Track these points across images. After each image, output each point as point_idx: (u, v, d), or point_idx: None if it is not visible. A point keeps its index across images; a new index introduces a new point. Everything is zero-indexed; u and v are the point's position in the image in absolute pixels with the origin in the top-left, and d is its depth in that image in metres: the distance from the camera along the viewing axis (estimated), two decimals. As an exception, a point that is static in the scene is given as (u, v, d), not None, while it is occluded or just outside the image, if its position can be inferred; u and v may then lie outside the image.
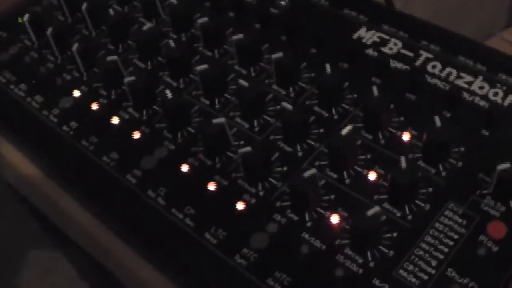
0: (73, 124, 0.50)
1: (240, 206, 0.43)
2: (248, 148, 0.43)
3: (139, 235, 0.45)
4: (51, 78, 0.54)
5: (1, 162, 0.54)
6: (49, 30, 0.54)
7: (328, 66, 0.46)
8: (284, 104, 0.45)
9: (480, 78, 0.47)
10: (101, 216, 0.47)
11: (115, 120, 0.49)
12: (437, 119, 0.42)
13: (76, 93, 0.52)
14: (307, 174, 0.41)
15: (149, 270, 0.45)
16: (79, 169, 0.48)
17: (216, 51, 0.52)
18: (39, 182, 0.51)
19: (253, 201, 0.43)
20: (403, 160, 0.41)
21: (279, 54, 0.48)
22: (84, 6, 0.55)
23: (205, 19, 0.52)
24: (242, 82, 0.47)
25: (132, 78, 0.48)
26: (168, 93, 0.47)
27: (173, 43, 0.51)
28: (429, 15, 0.56)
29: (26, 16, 0.56)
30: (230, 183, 0.44)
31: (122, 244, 0.47)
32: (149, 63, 0.53)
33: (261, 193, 0.43)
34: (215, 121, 0.45)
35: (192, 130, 0.47)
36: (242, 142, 0.46)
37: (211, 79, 0.48)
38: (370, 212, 0.39)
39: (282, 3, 0.54)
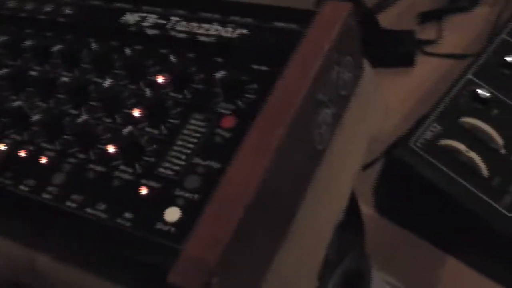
0: None
1: (43, 160, 0.56)
2: (40, 115, 0.56)
3: None
4: None
5: None
6: None
7: (94, 44, 0.60)
8: (68, 80, 0.59)
9: (215, 23, 0.61)
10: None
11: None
12: (172, 57, 0.56)
13: None
14: (80, 121, 0.55)
15: None
16: None
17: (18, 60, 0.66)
18: None
19: (53, 154, 0.56)
20: (147, 91, 0.55)
21: (60, 46, 0.62)
22: None
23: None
24: (35, 73, 0.61)
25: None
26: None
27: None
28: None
29: None
30: (35, 146, 0.57)
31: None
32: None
33: (58, 147, 0.56)
34: (15, 104, 0.58)
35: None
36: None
37: (13, 78, 0.62)
38: (125, 131, 0.53)
39: (67, 11, 0.68)
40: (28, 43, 0.64)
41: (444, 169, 0.77)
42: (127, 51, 0.60)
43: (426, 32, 1.05)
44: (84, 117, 0.55)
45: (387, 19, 1.05)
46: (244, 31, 0.59)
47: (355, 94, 0.62)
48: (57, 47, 0.64)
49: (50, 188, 0.53)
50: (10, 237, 0.56)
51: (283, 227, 0.54)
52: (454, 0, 1.08)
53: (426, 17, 1.06)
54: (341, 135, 0.60)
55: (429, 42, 1.04)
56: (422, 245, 0.83)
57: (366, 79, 0.63)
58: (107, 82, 0.57)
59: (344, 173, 0.61)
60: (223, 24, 0.60)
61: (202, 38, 0.60)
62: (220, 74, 0.54)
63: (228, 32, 0.60)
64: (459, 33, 1.03)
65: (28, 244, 0.55)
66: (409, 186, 0.81)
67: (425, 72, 0.99)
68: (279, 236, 0.53)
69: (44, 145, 0.57)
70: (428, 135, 0.79)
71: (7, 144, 0.58)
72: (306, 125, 0.54)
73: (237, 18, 0.61)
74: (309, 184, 0.56)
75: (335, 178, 0.59)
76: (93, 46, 0.61)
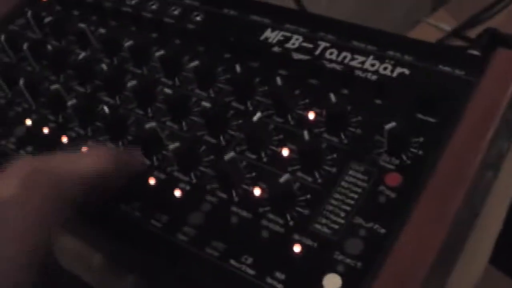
0: (29, 148, 0.57)
1: (177, 193, 0.50)
2: (177, 144, 0.50)
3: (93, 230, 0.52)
4: (4, 112, 0.61)
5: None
6: (-4, 71, 0.61)
7: (237, 66, 0.54)
8: (204, 103, 0.53)
9: (371, 57, 0.55)
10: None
11: (64, 139, 0.56)
12: (332, 96, 0.50)
13: (28, 122, 0.58)
14: (227, 157, 0.49)
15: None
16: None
17: (144, 68, 0.60)
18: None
19: (188, 187, 0.50)
20: (305, 133, 0.48)
21: (196, 62, 0.56)
22: (25, 45, 0.63)
23: (131, 42, 0.59)
24: (167, 90, 0.55)
25: (74, 101, 0.56)
26: (106, 109, 0.55)
27: (105, 66, 0.58)
28: (356, 5, 0.62)
29: (-26, 62, 0.63)
30: (167, 176, 0.51)
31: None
32: (87, 86, 0.60)
33: (194, 181, 0.50)
34: (148, 125, 0.52)
35: (131, 138, 0.54)
36: (174, 141, 0.52)
37: (141, 92, 0.56)
38: (282, 179, 0.47)
39: (197, 18, 0.62)
40: (157, 52, 0.58)
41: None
42: (274, 77, 0.54)
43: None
44: (229, 154, 0.49)
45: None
46: (405, 70, 0.53)
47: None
48: (188, 61, 0.58)
49: (186, 229, 0.47)
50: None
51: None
52: None
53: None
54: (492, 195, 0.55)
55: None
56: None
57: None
58: (256, 116, 0.50)
59: (491, 233, 0.55)
60: (381, 59, 0.54)
61: (358, 73, 0.53)
62: (388, 123, 0.47)
63: (387, 69, 0.53)
64: None
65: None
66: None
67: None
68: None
69: (177, 175, 0.50)
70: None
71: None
72: (475, 191, 0.48)
73: (396, 54, 0.54)
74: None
75: (482, 239, 0.54)
76: (237, 68, 0.54)
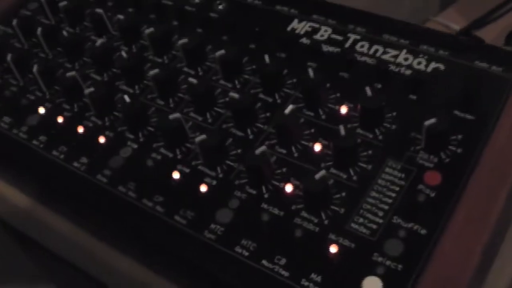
0: (42, 138, 0.54)
1: (203, 188, 0.47)
2: (204, 136, 0.48)
3: (114, 227, 0.49)
4: (16, 100, 0.58)
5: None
6: (9, 57, 0.58)
7: (267, 57, 0.52)
8: (232, 94, 0.50)
9: (404, 51, 0.53)
10: (77, 218, 0.52)
11: (80, 129, 0.53)
12: (368, 90, 0.48)
13: (41, 110, 0.55)
14: (258, 151, 0.46)
15: (129, 261, 0.49)
16: (52, 177, 0.52)
17: (165, 57, 0.57)
18: (14, 198, 0.55)
19: (214, 182, 0.48)
20: (341, 128, 0.46)
21: (222, 52, 0.53)
22: (38, 31, 0.60)
23: (151, 29, 0.57)
24: (191, 80, 0.52)
25: (91, 89, 0.53)
26: (126, 98, 0.52)
27: (125, 54, 0.56)
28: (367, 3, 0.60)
29: (-16, 47, 0.60)
30: (192, 170, 0.49)
31: (101, 243, 0.51)
32: (105, 75, 0.57)
33: (220, 175, 0.48)
34: (172, 116, 0.49)
35: (152, 129, 0.52)
36: (198, 133, 0.50)
37: (163, 81, 0.53)
38: (318, 176, 0.44)
39: (220, 7, 0.59)
40: (180, 40, 0.55)
41: None
42: (304, 69, 0.51)
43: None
44: (260, 148, 0.46)
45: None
46: (440, 65, 0.51)
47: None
48: (212, 50, 0.55)
49: (213, 226, 0.45)
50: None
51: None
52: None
53: None
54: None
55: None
56: None
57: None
58: (288, 108, 0.48)
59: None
60: (414, 53, 0.52)
61: (392, 68, 0.51)
62: (428, 120, 0.45)
63: (421, 64, 0.51)
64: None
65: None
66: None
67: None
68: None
69: (203, 169, 0.48)
70: None
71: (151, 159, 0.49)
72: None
73: (430, 49, 0.52)
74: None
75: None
76: (266, 58, 0.52)
